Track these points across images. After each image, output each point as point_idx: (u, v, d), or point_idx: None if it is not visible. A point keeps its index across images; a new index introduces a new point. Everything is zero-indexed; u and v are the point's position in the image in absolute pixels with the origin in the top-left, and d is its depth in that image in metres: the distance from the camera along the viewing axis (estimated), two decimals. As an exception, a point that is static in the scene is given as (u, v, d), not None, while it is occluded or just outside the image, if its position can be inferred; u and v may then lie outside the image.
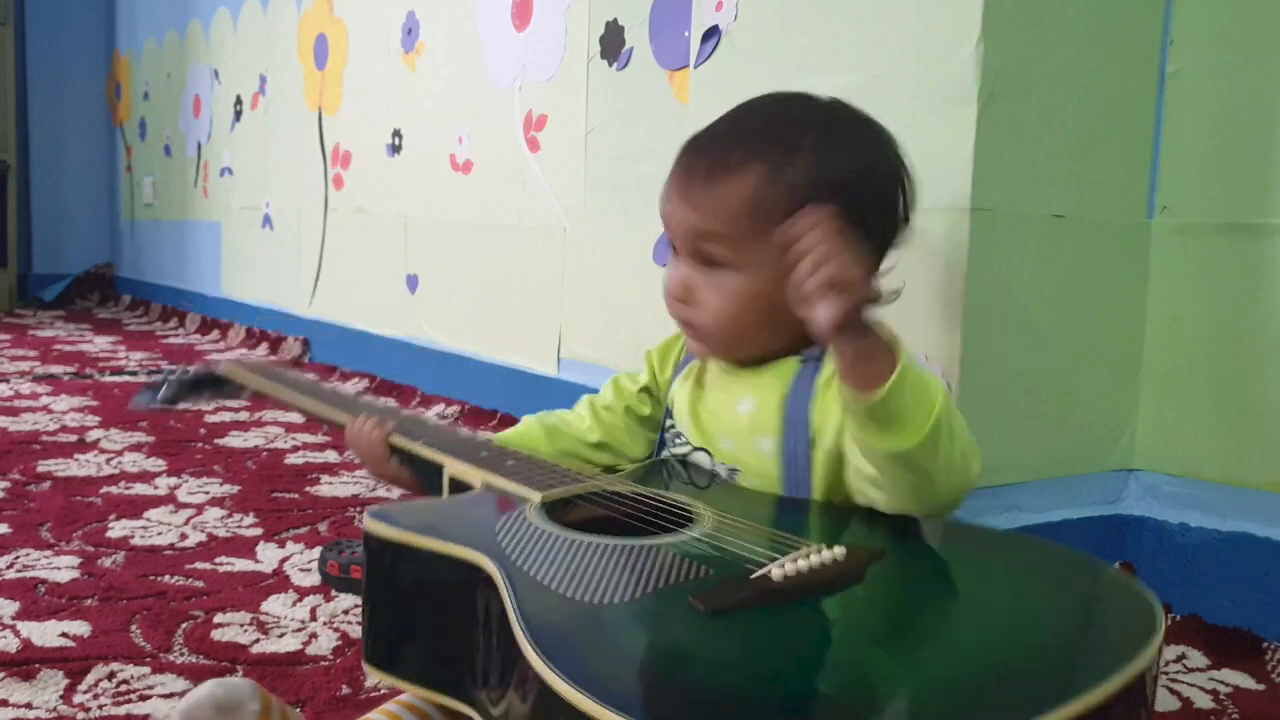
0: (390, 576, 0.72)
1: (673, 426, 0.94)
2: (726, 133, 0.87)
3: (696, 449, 0.90)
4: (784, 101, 0.90)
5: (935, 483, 0.73)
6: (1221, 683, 0.96)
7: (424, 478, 0.91)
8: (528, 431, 0.99)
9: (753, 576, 0.62)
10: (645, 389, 1.00)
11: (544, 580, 0.62)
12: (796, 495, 0.83)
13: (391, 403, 2.23)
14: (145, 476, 1.55)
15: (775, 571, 0.62)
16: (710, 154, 0.85)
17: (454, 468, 0.86)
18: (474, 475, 0.84)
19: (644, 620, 0.60)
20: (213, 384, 1.17)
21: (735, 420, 0.87)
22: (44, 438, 1.79)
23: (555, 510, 0.76)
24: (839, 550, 0.66)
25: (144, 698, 0.85)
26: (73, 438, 1.80)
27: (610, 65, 1.69)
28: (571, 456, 0.98)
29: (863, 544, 0.70)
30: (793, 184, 0.81)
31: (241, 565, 1.18)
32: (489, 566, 0.64)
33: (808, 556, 0.64)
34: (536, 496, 0.77)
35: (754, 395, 0.87)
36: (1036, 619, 0.64)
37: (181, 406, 1.11)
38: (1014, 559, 0.75)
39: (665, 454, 0.94)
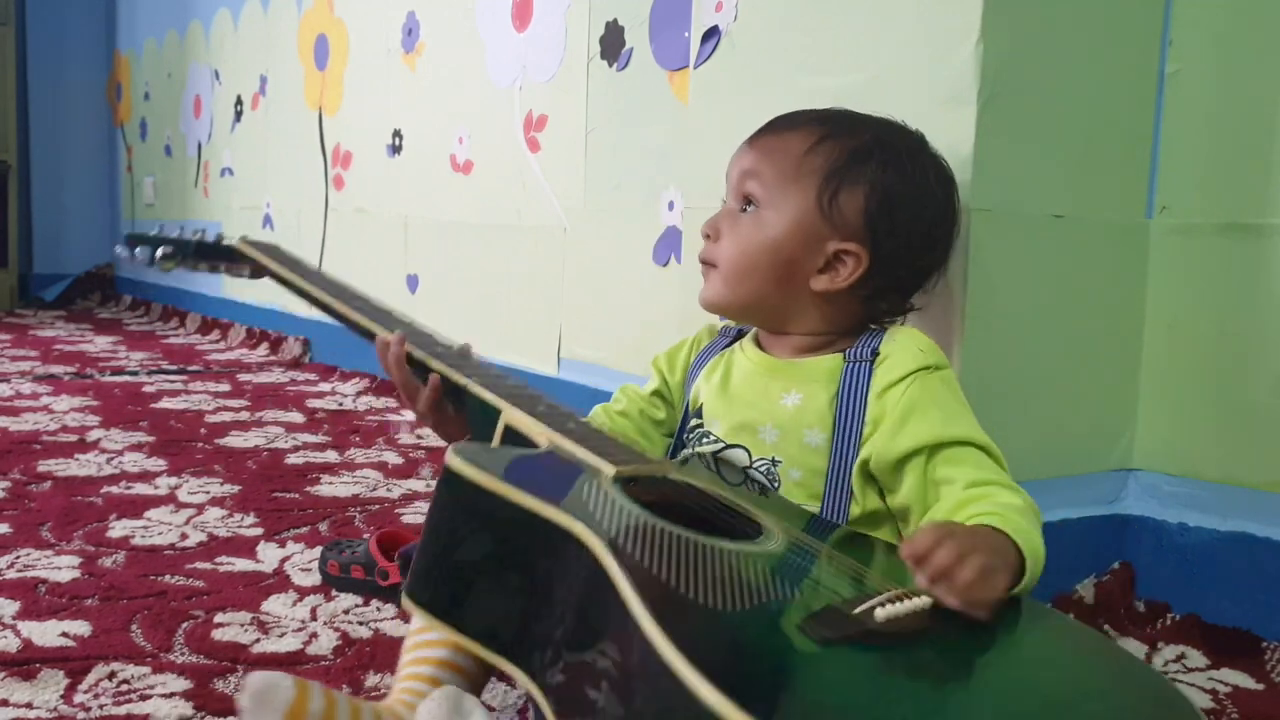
0: (465, 522, 0.69)
1: (699, 426, 0.94)
2: (803, 109, 0.96)
3: (731, 446, 0.90)
4: (864, 114, 0.96)
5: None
6: (1221, 682, 0.96)
7: (470, 413, 0.87)
8: None
9: (855, 612, 0.61)
10: (656, 393, 1.01)
11: (654, 571, 0.61)
12: (838, 488, 0.85)
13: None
14: (146, 476, 1.55)
15: (879, 612, 0.61)
16: (783, 117, 0.94)
17: (512, 417, 0.83)
18: (537, 431, 0.81)
19: (769, 635, 0.60)
20: (221, 255, 1.14)
21: (779, 412, 0.88)
22: (44, 437, 1.79)
23: (625, 485, 0.75)
24: (925, 600, 0.65)
25: (144, 697, 0.85)
26: (73, 438, 1.80)
27: (610, 65, 1.69)
28: None
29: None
30: (838, 153, 0.88)
31: (242, 565, 1.18)
32: (592, 542, 0.63)
33: (900, 601, 0.63)
34: (610, 470, 0.75)
35: (801, 390, 0.88)
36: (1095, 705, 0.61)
37: (172, 268, 1.10)
38: (1070, 643, 0.71)
39: (686, 453, 0.94)
